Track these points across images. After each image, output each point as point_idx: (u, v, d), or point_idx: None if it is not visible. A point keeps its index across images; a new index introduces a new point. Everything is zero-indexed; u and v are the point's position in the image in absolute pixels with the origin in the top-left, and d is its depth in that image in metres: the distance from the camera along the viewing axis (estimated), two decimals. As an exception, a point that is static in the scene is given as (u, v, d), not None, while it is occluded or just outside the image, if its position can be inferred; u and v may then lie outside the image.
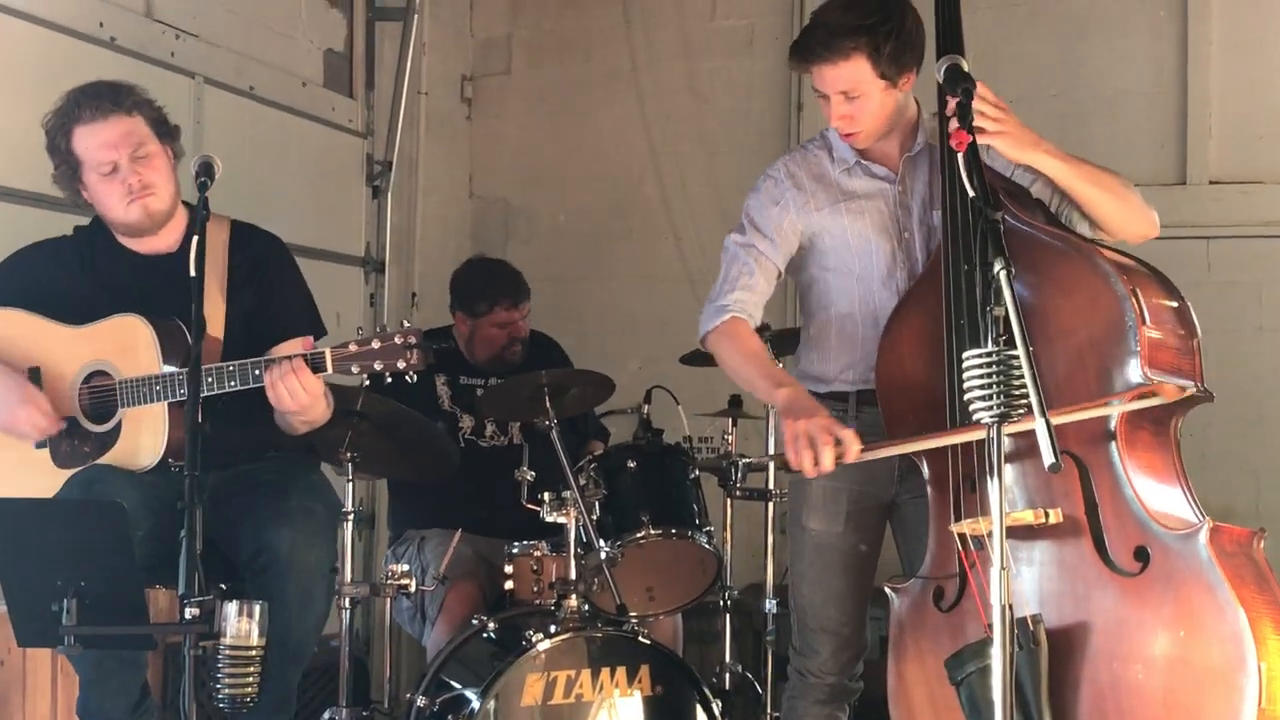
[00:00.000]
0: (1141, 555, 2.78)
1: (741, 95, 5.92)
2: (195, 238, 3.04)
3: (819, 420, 3.01)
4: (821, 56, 3.18)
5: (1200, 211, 5.19)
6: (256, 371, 3.24)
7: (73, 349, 3.42)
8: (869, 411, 3.30)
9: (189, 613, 2.78)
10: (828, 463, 2.97)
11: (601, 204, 6.12)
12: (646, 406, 4.37)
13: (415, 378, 3.23)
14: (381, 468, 4.30)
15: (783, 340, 4.15)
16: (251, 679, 2.91)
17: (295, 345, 3.43)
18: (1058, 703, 2.78)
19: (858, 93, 3.20)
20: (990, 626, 2.51)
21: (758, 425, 4.49)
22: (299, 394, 3.21)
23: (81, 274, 3.51)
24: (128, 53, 4.45)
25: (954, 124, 2.78)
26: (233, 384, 3.26)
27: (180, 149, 3.56)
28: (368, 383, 3.23)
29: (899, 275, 3.33)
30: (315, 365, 3.22)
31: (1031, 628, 2.77)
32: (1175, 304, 3.01)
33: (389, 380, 3.21)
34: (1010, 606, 2.47)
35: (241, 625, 2.89)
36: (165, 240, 3.53)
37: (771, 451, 3.33)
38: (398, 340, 3.18)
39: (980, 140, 2.88)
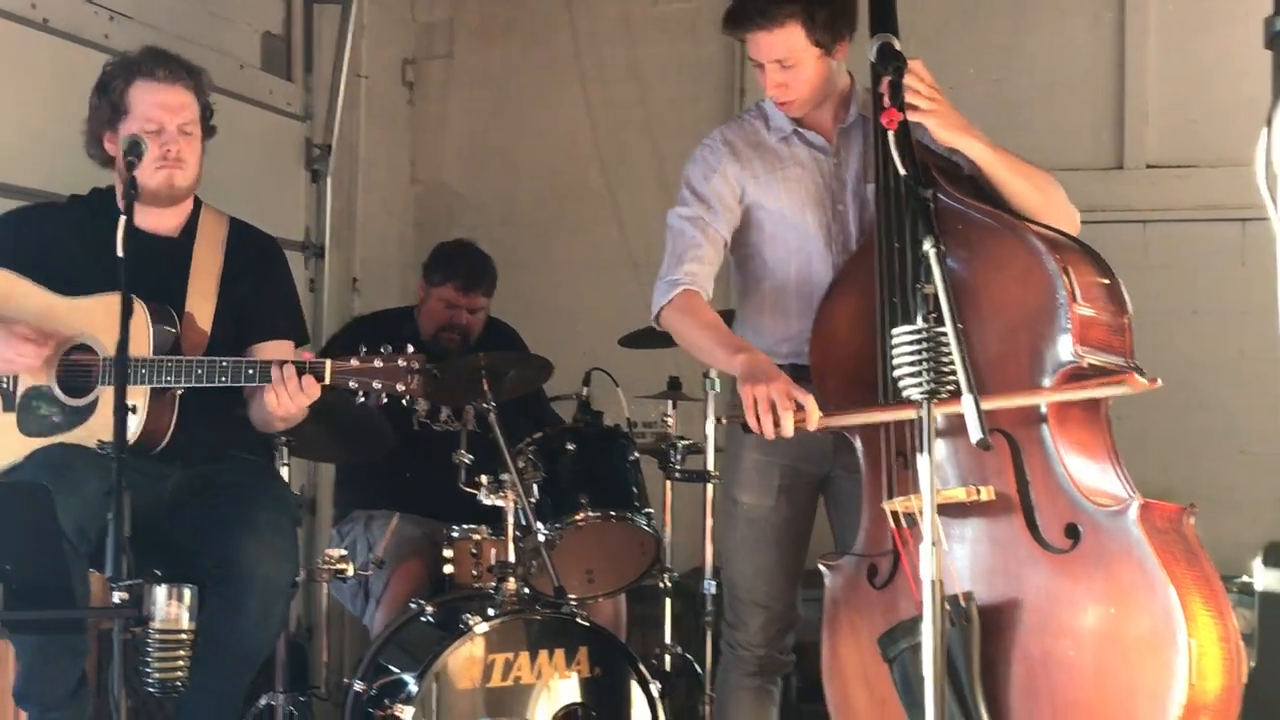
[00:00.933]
0: (1072, 532, 2.79)
1: (685, 81, 5.91)
2: (123, 218, 3.03)
3: (780, 384, 2.99)
4: (757, 23, 3.20)
5: (1137, 195, 5.24)
6: (250, 371, 3.23)
7: (60, 318, 3.39)
8: (803, 385, 3.30)
9: (117, 597, 2.77)
10: (788, 427, 2.96)
11: (545, 188, 6.11)
12: (586, 389, 4.37)
13: (409, 402, 3.23)
14: (317, 451, 4.28)
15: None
16: (182, 663, 2.90)
17: (278, 347, 3.48)
18: (989, 680, 2.78)
19: (792, 61, 3.22)
20: (922, 604, 2.53)
21: (698, 407, 4.49)
22: (298, 399, 3.21)
23: (77, 242, 3.48)
24: (61, 34, 4.38)
25: (886, 101, 2.80)
26: (223, 379, 3.25)
27: (205, 144, 3.60)
28: (362, 399, 3.20)
29: (834, 249, 3.34)
30: (314, 374, 3.22)
31: (964, 604, 2.78)
32: (1106, 281, 3.02)
33: (385, 401, 3.20)
34: (941, 583, 2.49)
35: (171, 609, 2.88)
36: (168, 222, 3.54)
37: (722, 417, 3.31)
38: (401, 363, 3.18)
39: (911, 118, 2.89)
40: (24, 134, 4.21)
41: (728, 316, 3.76)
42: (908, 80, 2.90)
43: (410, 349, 3.22)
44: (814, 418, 2.98)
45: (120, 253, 3.00)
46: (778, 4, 3.18)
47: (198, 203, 3.62)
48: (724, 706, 3.54)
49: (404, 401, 3.23)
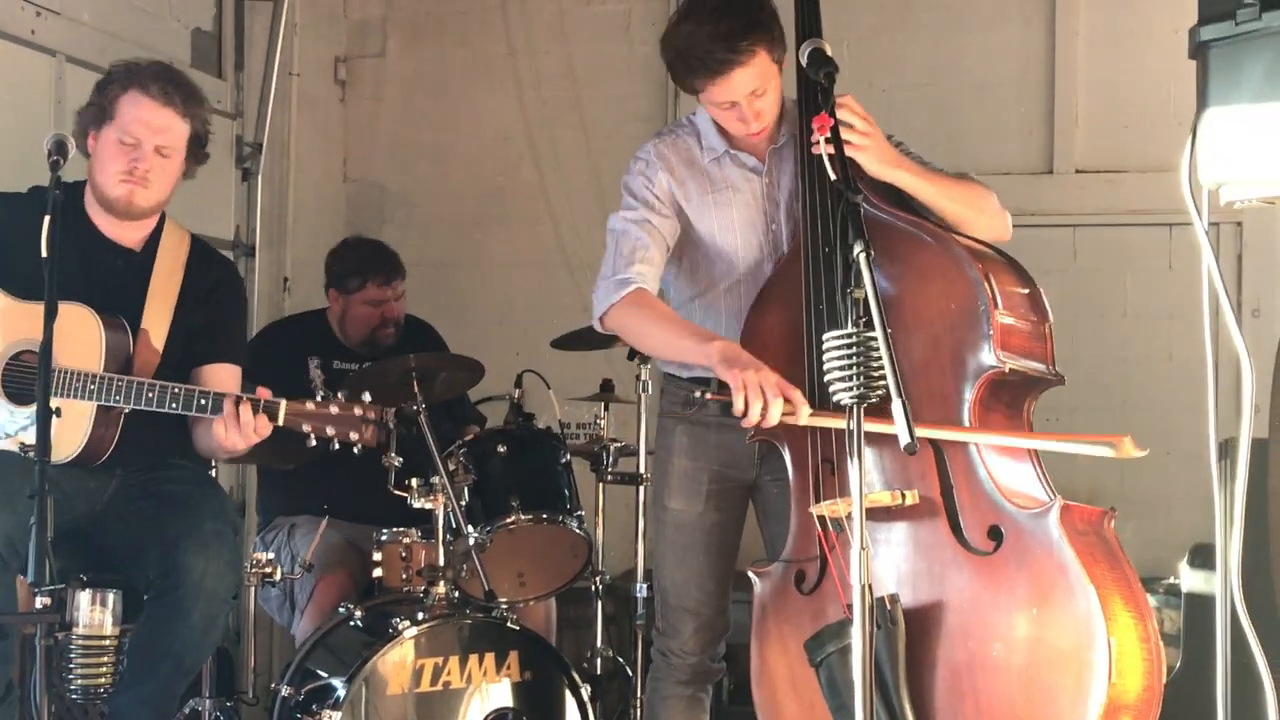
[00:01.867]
0: (995, 534, 2.82)
1: (618, 80, 5.90)
2: (46, 217, 2.98)
3: (771, 374, 2.95)
4: (728, 63, 3.09)
5: (1066, 200, 5.30)
6: (203, 401, 3.20)
7: (9, 322, 3.34)
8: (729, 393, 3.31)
9: (39, 602, 2.73)
10: (774, 416, 2.91)
11: (478, 188, 6.07)
12: (518, 391, 4.35)
13: (360, 450, 3.23)
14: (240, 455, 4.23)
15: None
16: (105, 669, 2.88)
17: (222, 371, 3.46)
18: (915, 682, 2.80)
19: (764, 87, 3.16)
20: (850, 607, 2.54)
21: (630, 409, 4.49)
22: (250, 438, 3.19)
23: (36, 239, 3.40)
24: (-15, 29, 4.32)
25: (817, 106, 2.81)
26: (174, 406, 3.22)
27: (193, 173, 3.57)
28: (313, 443, 3.17)
29: (765, 267, 3.33)
30: (268, 413, 3.20)
31: (889, 607, 2.80)
32: (1027, 290, 3.07)
33: (336, 447, 3.18)
34: (870, 587, 2.51)
35: (95, 614, 2.86)
36: (132, 234, 3.50)
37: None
38: (357, 411, 3.16)
39: (847, 152, 2.89)
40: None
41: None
42: (842, 115, 2.91)
43: (368, 398, 3.19)
44: (803, 413, 2.95)
45: (44, 253, 2.95)
46: (744, 35, 3.08)
47: (161, 218, 3.58)
48: (655, 715, 3.50)
49: (355, 450, 3.23)
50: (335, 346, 4.69)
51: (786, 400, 2.93)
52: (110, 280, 3.29)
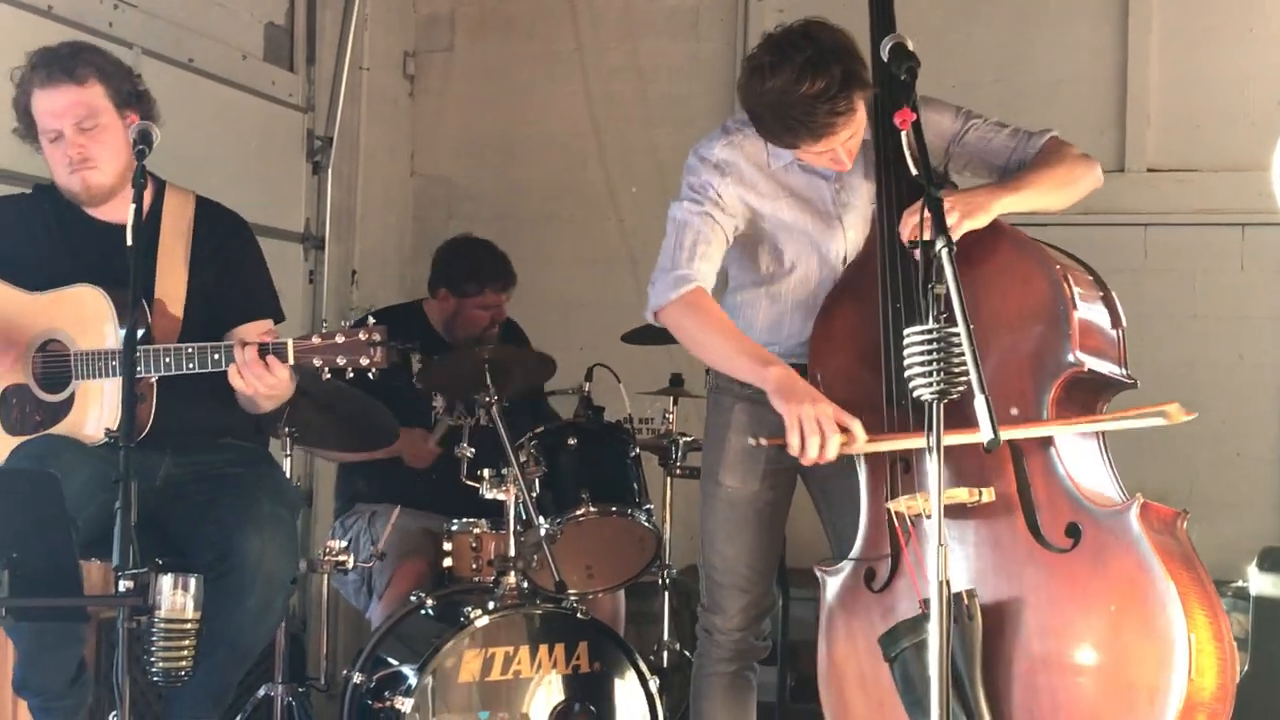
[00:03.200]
0: (1073, 532, 2.82)
1: (685, 77, 5.92)
2: (132, 205, 3.00)
3: (826, 406, 2.94)
4: (832, 125, 3.02)
5: (1138, 199, 5.25)
6: (216, 356, 3.19)
7: (29, 315, 3.36)
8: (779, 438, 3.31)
9: (123, 586, 2.76)
10: (833, 451, 2.92)
11: (544, 182, 6.10)
12: (587, 384, 4.37)
13: (376, 375, 3.20)
14: (319, 442, 4.28)
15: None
16: (186, 652, 2.89)
17: (256, 328, 3.41)
18: (991, 678, 2.81)
19: (859, 128, 3.11)
20: (926, 603, 2.54)
21: (699, 404, 4.49)
22: (265, 378, 3.17)
23: (44, 236, 3.46)
24: (65, 22, 4.37)
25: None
26: (190, 366, 3.21)
27: (153, 113, 3.47)
28: (328, 375, 3.19)
29: (835, 268, 3.31)
30: (277, 355, 3.18)
31: (967, 602, 2.80)
32: (1101, 292, 3.08)
33: (351, 375, 3.18)
34: (947, 582, 2.50)
35: (176, 598, 2.86)
36: (126, 212, 3.48)
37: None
38: (362, 336, 3.14)
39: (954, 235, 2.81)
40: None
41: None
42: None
43: (371, 320, 3.19)
44: (860, 442, 2.94)
45: (130, 240, 2.97)
46: (845, 93, 2.97)
47: (161, 184, 3.54)
48: (700, 694, 3.48)
49: (370, 374, 3.19)
50: (435, 341, 4.70)
51: (844, 430, 2.92)
52: (117, 258, 3.25)
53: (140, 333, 3.30)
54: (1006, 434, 2.81)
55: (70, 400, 3.32)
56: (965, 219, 2.96)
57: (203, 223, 3.54)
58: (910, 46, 2.90)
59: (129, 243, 2.98)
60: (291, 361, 3.18)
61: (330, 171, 5.64)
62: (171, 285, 3.43)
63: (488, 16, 6.23)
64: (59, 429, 3.30)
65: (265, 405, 3.44)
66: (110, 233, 3.38)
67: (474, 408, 4.07)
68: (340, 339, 3.15)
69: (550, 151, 6.11)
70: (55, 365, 3.35)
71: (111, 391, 3.27)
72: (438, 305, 4.79)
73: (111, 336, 3.28)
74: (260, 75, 5.37)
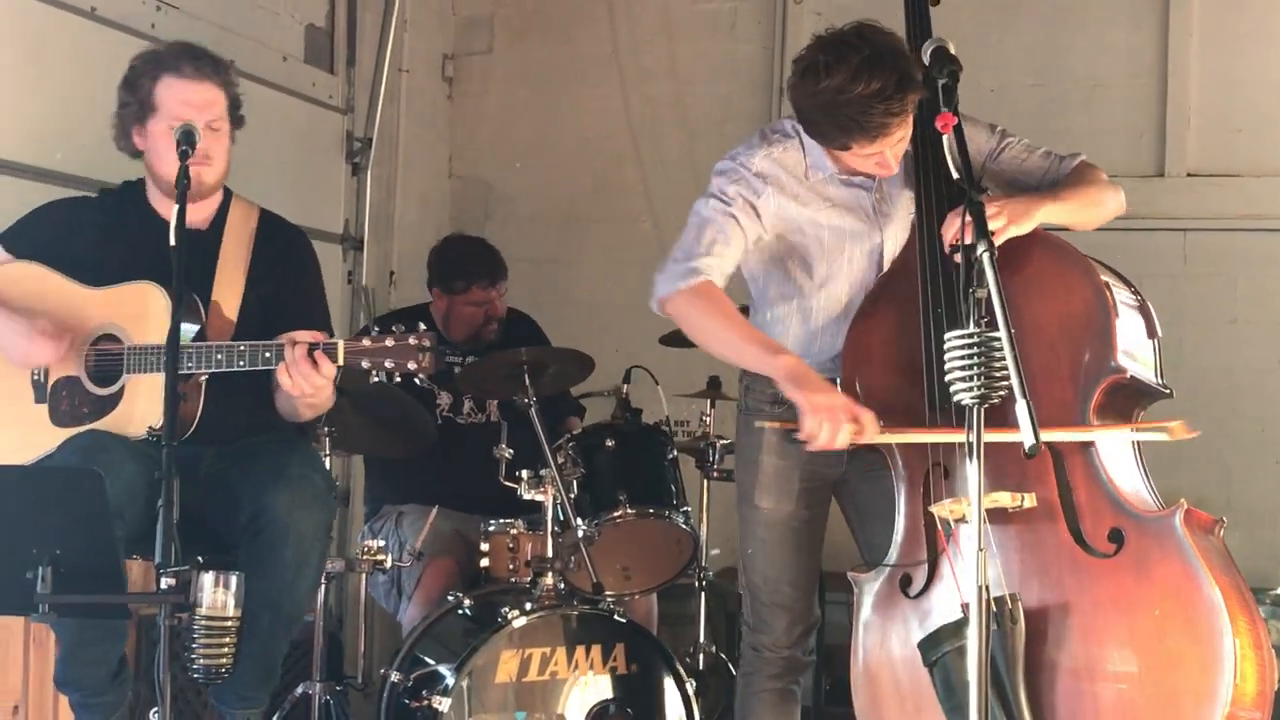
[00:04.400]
0: (1116, 537, 2.82)
1: (723, 79, 5.91)
2: (175, 206, 3.04)
3: (839, 397, 2.98)
4: (887, 125, 3.02)
5: (1177, 203, 5.22)
6: (267, 354, 3.21)
7: (86, 309, 3.40)
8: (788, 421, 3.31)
9: (165, 583, 2.78)
10: (844, 440, 2.94)
11: (581, 185, 6.10)
12: (625, 386, 4.37)
13: (424, 381, 3.22)
14: (359, 443, 4.30)
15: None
16: (227, 649, 2.91)
17: (306, 335, 3.42)
18: (1033, 683, 2.81)
19: (909, 131, 3.10)
20: (967, 607, 2.53)
21: (735, 407, 4.49)
22: (312, 378, 3.19)
23: (105, 236, 3.49)
24: (108, 23, 4.41)
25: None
26: (241, 363, 3.23)
27: (233, 138, 3.56)
28: (377, 378, 3.21)
29: (869, 276, 3.31)
30: (327, 354, 3.19)
31: (1009, 606, 2.79)
32: (1138, 302, 3.08)
33: (397, 380, 3.20)
34: (987, 587, 2.50)
35: (217, 596, 2.88)
36: (197, 214, 3.51)
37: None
38: (412, 341, 3.16)
39: (997, 240, 2.82)
40: (69, 121, 4.24)
41: None
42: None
43: (422, 327, 3.21)
44: (870, 431, 2.96)
45: (173, 242, 3.01)
46: (899, 94, 2.97)
47: (228, 194, 3.61)
48: (748, 710, 3.49)
49: (417, 379, 3.21)
50: (439, 340, 4.72)
51: (855, 420, 2.93)
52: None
53: (195, 330, 3.36)
54: (1047, 436, 2.82)
55: (119, 394, 3.34)
56: (1011, 224, 2.97)
57: (265, 235, 3.61)
58: (952, 50, 2.90)
59: (172, 242, 3.02)
60: (341, 362, 3.20)
61: (369, 173, 5.67)
62: (229, 291, 3.48)
63: (526, 19, 6.24)
64: (105, 423, 3.32)
65: (305, 413, 3.47)
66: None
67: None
68: (390, 342, 3.17)
69: (587, 154, 6.11)
70: (108, 359, 3.38)
71: (160, 387, 3.29)
72: (436, 305, 4.81)
73: (164, 334, 3.29)
74: (300, 77, 5.40)
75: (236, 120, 3.54)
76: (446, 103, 6.30)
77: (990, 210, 2.87)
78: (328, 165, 5.59)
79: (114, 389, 3.35)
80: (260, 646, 3.31)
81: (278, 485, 3.32)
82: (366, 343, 3.19)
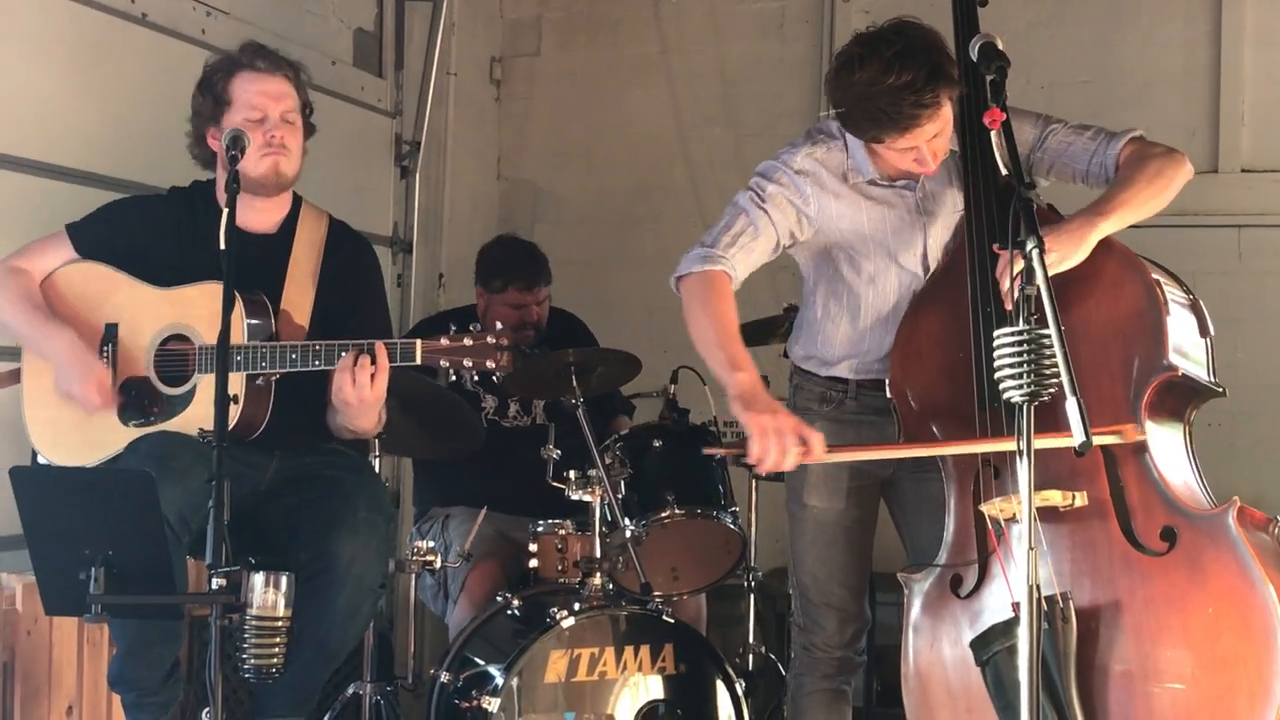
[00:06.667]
0: (1168, 535, 2.81)
1: (771, 79, 5.90)
2: (225, 211, 3.06)
3: (786, 419, 2.98)
4: (917, 117, 3.01)
5: (1232, 200, 5.15)
6: (344, 354, 3.24)
7: (154, 309, 3.42)
8: (868, 394, 3.32)
9: (215, 583, 2.80)
10: (790, 463, 2.95)
11: (629, 187, 6.11)
12: (673, 387, 4.37)
13: (500, 380, 3.23)
14: (408, 446, 4.31)
15: (761, 329, 4.26)
16: (277, 650, 2.93)
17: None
18: (1085, 682, 2.79)
19: (945, 128, 3.10)
20: (1018, 606, 2.52)
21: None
22: (364, 387, 3.21)
23: (174, 236, 3.51)
24: (159, 29, 4.46)
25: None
26: (317, 363, 3.26)
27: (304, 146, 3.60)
28: (454, 378, 3.21)
29: (916, 276, 3.30)
30: (405, 355, 3.22)
31: (1061, 605, 2.78)
32: (1190, 299, 3.06)
33: (475, 379, 3.20)
34: (1038, 586, 2.48)
35: (268, 596, 2.91)
36: (268, 219, 3.56)
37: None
38: (490, 340, 3.18)
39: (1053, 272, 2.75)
40: (120, 127, 4.28)
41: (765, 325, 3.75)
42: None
43: (499, 325, 3.22)
44: (818, 452, 2.96)
45: (222, 245, 3.02)
46: (930, 86, 2.97)
47: (297, 200, 3.64)
48: (801, 710, 3.49)
49: (495, 378, 3.22)
50: None
51: (802, 442, 2.93)
52: (250, 264, 3.31)
53: (265, 333, 3.38)
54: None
55: (190, 394, 3.36)
56: (1064, 259, 2.93)
57: (334, 243, 3.63)
58: (1000, 45, 2.88)
59: (221, 246, 3.03)
60: (419, 361, 3.21)
61: (418, 175, 5.71)
62: (299, 297, 3.50)
63: (573, 21, 6.25)
64: (175, 423, 3.34)
65: (345, 434, 3.48)
66: (247, 239, 3.44)
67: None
68: (468, 341, 3.18)
69: (635, 155, 6.12)
70: (176, 359, 3.40)
71: (237, 389, 3.30)
72: (477, 303, 4.82)
73: (240, 334, 3.33)
74: (350, 81, 5.43)
75: (308, 126, 3.58)
76: (494, 105, 6.32)
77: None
78: (377, 168, 5.63)
79: (184, 389, 3.37)
80: (301, 675, 3.33)
81: (342, 530, 3.32)
82: (445, 342, 3.20)
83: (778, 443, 2.93)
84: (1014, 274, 2.67)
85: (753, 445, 2.96)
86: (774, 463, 2.95)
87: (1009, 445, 2.57)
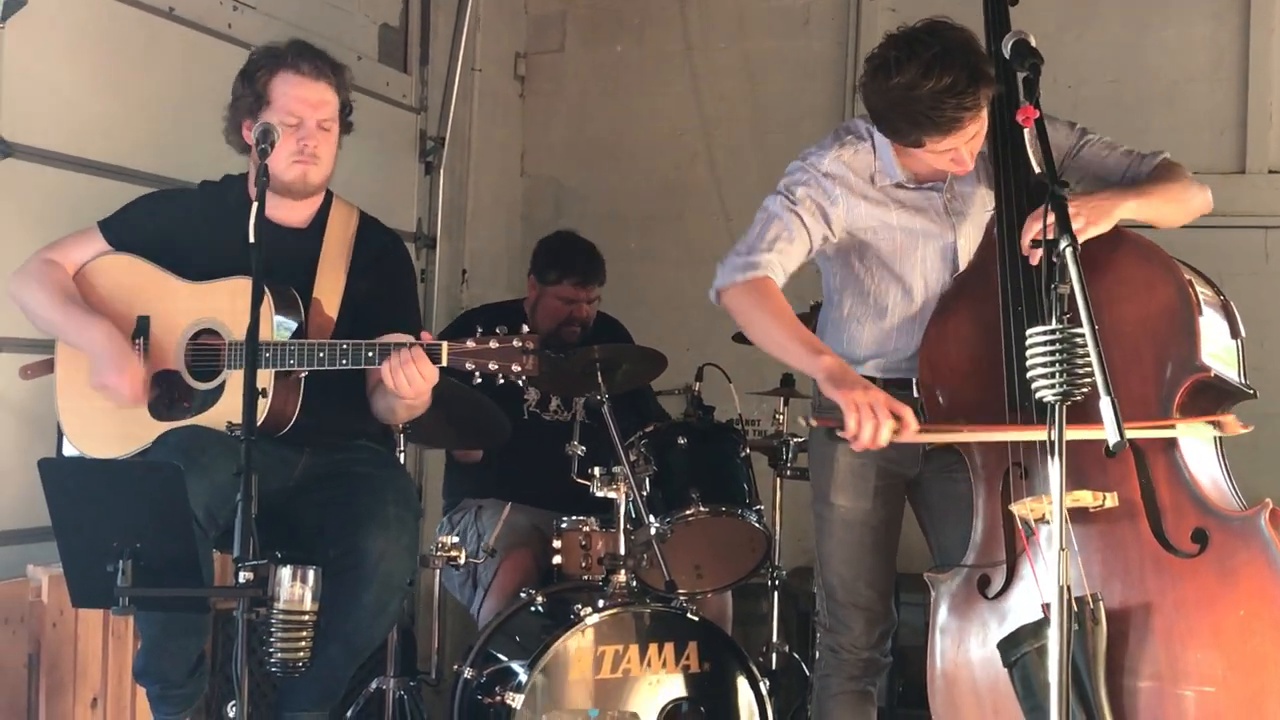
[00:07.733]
0: (1199, 537, 2.79)
1: (796, 76, 5.89)
2: (254, 205, 3.05)
3: (879, 394, 2.97)
4: (959, 120, 3.00)
5: (1259, 200, 5.14)
6: (370, 353, 3.23)
7: (186, 303, 3.43)
8: (895, 393, 3.26)
9: (242, 577, 2.80)
10: (885, 438, 2.93)
11: (653, 184, 6.10)
12: (698, 384, 4.36)
13: (525, 383, 3.23)
14: (433, 439, 4.32)
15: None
16: (304, 643, 2.92)
17: (399, 339, 3.44)
18: (1115, 684, 2.77)
19: (982, 128, 3.09)
20: (1047, 607, 2.50)
21: (809, 406, 4.47)
22: (416, 381, 3.20)
23: (206, 229, 3.51)
24: (185, 23, 4.45)
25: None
26: (344, 362, 3.25)
27: (340, 143, 3.60)
28: (479, 381, 3.22)
29: (944, 276, 3.30)
30: (431, 357, 3.21)
31: (1091, 606, 2.76)
32: (1221, 300, 3.05)
33: (501, 382, 3.20)
34: (1069, 587, 2.47)
35: (295, 590, 2.90)
36: (298, 214, 3.56)
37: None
38: (516, 343, 3.17)
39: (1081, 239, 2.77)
40: (148, 121, 4.29)
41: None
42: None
43: (525, 329, 3.22)
44: (911, 429, 2.95)
45: (252, 239, 3.02)
46: (971, 89, 2.96)
47: (329, 195, 3.63)
48: (826, 711, 3.47)
49: (520, 381, 3.21)
50: None
51: (897, 417, 2.92)
52: (281, 258, 3.31)
53: (295, 327, 3.39)
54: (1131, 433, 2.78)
55: (220, 389, 3.36)
56: (1090, 225, 2.93)
57: (364, 237, 3.63)
58: (1033, 43, 2.87)
59: (250, 239, 3.03)
60: (445, 363, 3.20)
61: (442, 171, 5.70)
62: (329, 290, 3.50)
63: (598, 17, 6.25)
64: (205, 418, 3.34)
65: (402, 415, 3.49)
66: (276, 232, 3.45)
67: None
68: (494, 344, 3.17)
69: (659, 151, 6.11)
70: (207, 353, 3.40)
71: (266, 384, 3.30)
72: (529, 295, 4.82)
73: (268, 330, 3.33)
74: (375, 76, 5.42)
75: (346, 125, 3.58)
76: (519, 101, 6.32)
77: (1069, 210, 2.83)
78: (401, 164, 5.62)
79: (215, 384, 3.37)
80: (327, 670, 3.34)
81: (371, 527, 3.33)
82: (471, 344, 3.19)
83: (872, 418, 2.92)
84: (1038, 231, 2.67)
85: (849, 420, 2.94)
86: (869, 438, 2.93)
87: (1097, 433, 2.51)
